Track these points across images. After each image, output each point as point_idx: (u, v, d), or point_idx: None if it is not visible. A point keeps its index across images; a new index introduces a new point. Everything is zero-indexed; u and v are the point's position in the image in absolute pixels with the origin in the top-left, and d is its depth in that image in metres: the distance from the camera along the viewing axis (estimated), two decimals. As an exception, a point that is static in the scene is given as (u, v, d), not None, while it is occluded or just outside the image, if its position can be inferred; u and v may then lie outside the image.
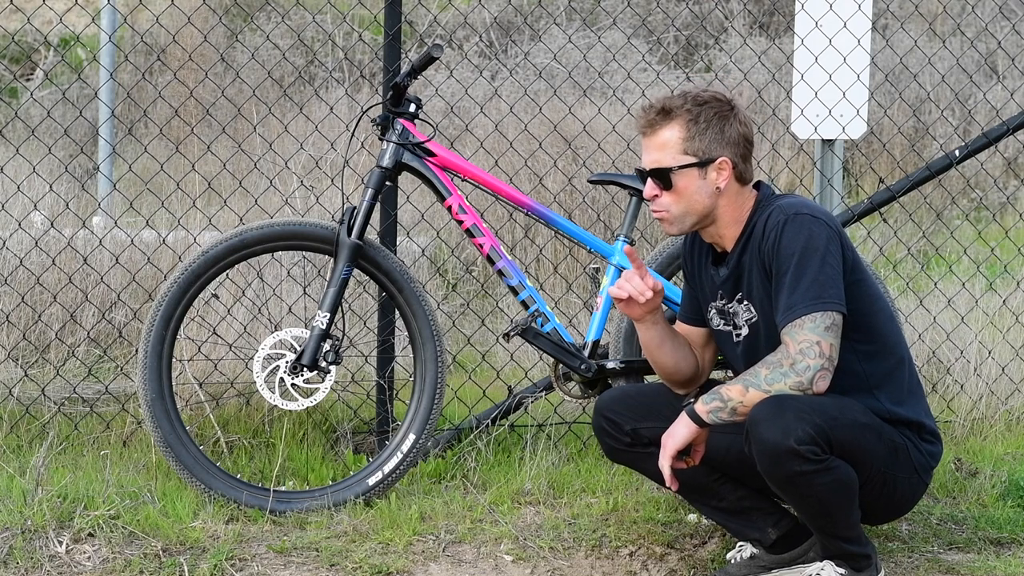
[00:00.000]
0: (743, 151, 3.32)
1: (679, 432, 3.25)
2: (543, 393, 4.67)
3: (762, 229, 3.27)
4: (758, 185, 3.40)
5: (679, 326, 3.60)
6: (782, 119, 7.17)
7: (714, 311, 3.45)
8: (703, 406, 3.21)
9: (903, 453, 3.31)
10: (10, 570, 3.47)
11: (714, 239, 3.39)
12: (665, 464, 3.26)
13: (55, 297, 4.91)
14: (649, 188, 3.33)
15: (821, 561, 3.34)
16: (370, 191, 3.97)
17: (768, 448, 3.13)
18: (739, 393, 3.19)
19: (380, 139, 4.04)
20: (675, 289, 4.02)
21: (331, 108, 5.85)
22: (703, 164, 3.29)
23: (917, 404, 3.39)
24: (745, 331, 3.37)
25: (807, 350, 3.15)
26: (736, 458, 3.36)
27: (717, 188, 3.30)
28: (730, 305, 3.39)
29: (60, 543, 3.56)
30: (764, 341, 3.30)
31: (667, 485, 3.30)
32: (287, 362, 3.93)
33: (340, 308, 3.96)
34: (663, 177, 3.29)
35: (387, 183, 4.06)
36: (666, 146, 3.29)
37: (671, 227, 3.35)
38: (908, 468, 3.33)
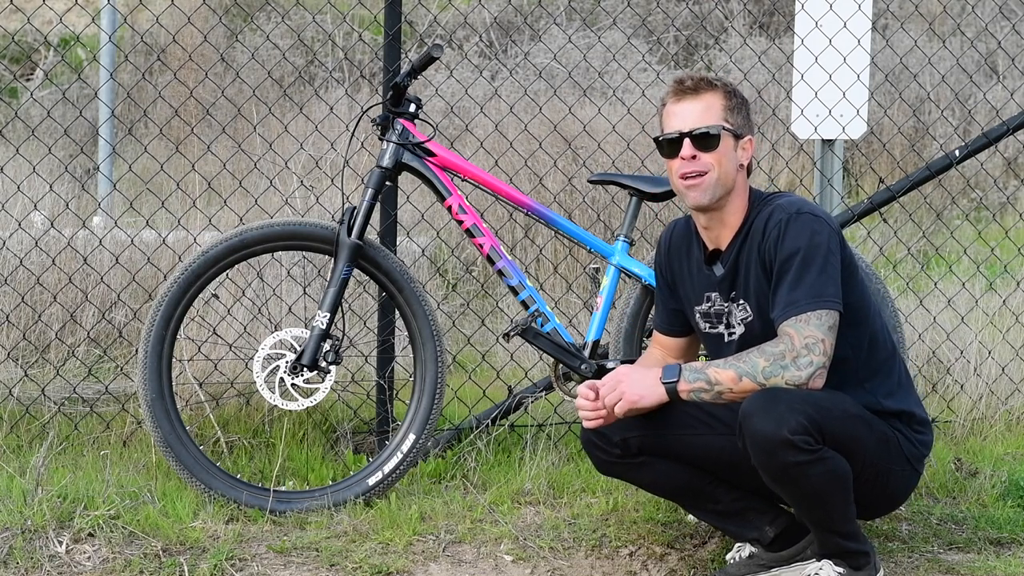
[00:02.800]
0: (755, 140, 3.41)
1: (648, 398, 3.23)
2: (543, 393, 4.67)
3: (762, 227, 3.28)
4: None
5: (656, 337, 3.60)
6: (782, 119, 7.17)
7: (699, 315, 3.45)
8: (686, 384, 3.19)
9: (894, 444, 3.32)
10: (10, 570, 3.47)
11: (713, 230, 3.38)
12: (620, 413, 3.26)
13: (55, 297, 4.91)
14: (688, 148, 3.31)
15: (820, 560, 3.35)
16: (370, 191, 3.97)
17: (762, 439, 3.13)
18: (730, 380, 3.18)
19: (380, 139, 4.04)
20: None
21: (331, 108, 5.85)
22: (737, 136, 3.34)
23: (907, 395, 3.40)
24: (740, 330, 3.37)
25: (812, 346, 3.16)
26: (728, 460, 3.36)
27: (741, 164, 3.35)
28: (723, 305, 3.39)
29: (60, 543, 3.56)
30: (760, 340, 3.28)
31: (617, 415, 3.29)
32: (287, 362, 3.93)
33: (340, 308, 3.96)
34: (710, 137, 3.30)
35: (387, 183, 4.06)
36: (711, 109, 3.32)
37: (703, 194, 3.32)
38: (900, 459, 3.34)
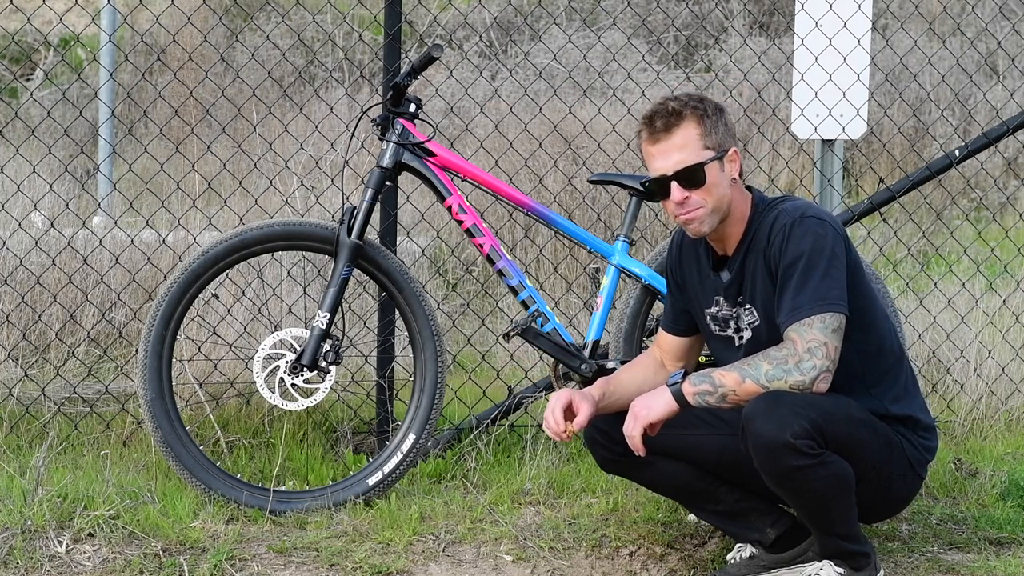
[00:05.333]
0: (740, 144, 3.35)
1: (657, 407, 3.23)
2: (543, 393, 4.67)
3: (767, 231, 3.27)
4: (748, 187, 3.40)
5: (662, 335, 3.59)
6: (782, 119, 7.17)
7: (709, 318, 3.44)
8: (691, 387, 3.20)
9: (898, 449, 3.32)
10: (10, 570, 3.47)
11: (719, 239, 3.37)
12: (636, 435, 3.25)
13: (55, 297, 4.90)
14: (677, 192, 3.26)
15: (820, 561, 3.35)
16: (370, 191, 3.97)
17: (764, 443, 3.13)
18: (734, 382, 3.18)
19: (380, 139, 4.04)
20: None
21: (331, 108, 5.85)
22: (721, 157, 3.29)
23: (913, 401, 3.39)
24: (748, 335, 3.36)
25: (815, 350, 3.15)
26: (731, 460, 3.36)
27: (732, 179, 3.31)
28: (732, 310, 3.38)
29: (60, 543, 3.56)
30: (767, 345, 3.28)
31: (636, 453, 3.28)
32: (287, 362, 3.93)
33: (340, 308, 3.96)
34: (695, 174, 3.26)
35: (387, 183, 4.06)
36: (687, 145, 3.26)
37: (703, 226, 3.29)
38: (903, 464, 3.33)
